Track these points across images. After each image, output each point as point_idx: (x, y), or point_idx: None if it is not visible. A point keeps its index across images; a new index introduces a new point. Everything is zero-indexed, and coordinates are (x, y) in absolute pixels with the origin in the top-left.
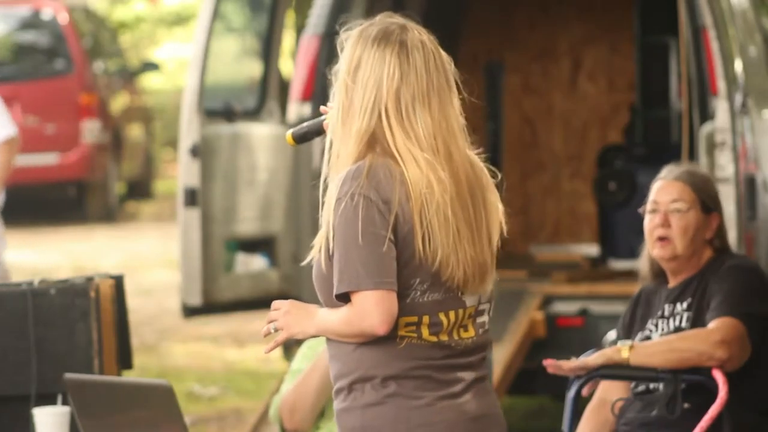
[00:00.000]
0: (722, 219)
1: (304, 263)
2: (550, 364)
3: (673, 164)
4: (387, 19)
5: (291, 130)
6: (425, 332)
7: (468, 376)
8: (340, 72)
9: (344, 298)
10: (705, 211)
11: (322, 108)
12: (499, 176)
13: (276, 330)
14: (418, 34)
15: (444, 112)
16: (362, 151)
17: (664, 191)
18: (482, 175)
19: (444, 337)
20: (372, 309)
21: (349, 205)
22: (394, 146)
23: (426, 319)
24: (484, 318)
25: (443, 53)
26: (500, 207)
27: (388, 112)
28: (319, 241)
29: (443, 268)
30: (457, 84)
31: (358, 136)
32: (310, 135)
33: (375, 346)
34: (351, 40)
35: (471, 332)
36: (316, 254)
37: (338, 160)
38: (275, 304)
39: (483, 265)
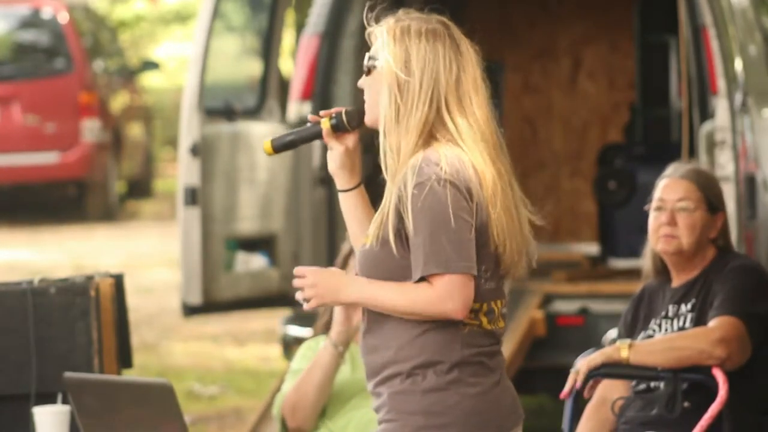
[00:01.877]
0: (726, 218)
1: (364, 248)
2: (564, 396)
3: (678, 162)
4: (418, 15)
5: (271, 139)
6: (484, 320)
7: (502, 361)
8: (385, 67)
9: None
10: (711, 211)
11: (311, 117)
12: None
13: (306, 300)
14: (458, 30)
15: (488, 104)
16: (423, 142)
17: (670, 189)
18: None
19: (493, 326)
20: (457, 292)
21: (436, 188)
22: (458, 136)
23: (485, 306)
24: (506, 309)
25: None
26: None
27: (448, 104)
28: (375, 229)
29: (505, 255)
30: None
31: (418, 128)
32: (296, 143)
33: (442, 333)
34: (389, 35)
35: (501, 322)
36: (371, 241)
37: (398, 154)
38: (298, 270)
39: (525, 251)
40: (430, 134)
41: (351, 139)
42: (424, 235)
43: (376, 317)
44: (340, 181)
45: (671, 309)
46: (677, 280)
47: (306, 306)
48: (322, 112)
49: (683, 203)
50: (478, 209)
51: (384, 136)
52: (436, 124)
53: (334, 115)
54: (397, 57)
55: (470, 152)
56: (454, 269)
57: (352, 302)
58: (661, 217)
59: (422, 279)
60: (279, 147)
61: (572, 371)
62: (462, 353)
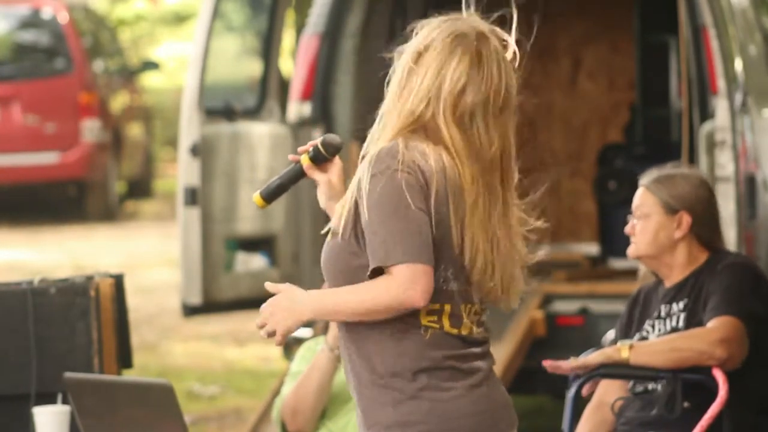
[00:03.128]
0: (703, 215)
1: (327, 243)
2: (550, 365)
3: (653, 169)
4: (472, 20)
5: (259, 191)
6: (446, 323)
7: (484, 365)
8: (406, 52)
9: (373, 275)
10: (670, 212)
11: (291, 156)
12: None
13: (269, 335)
14: (495, 45)
15: (504, 124)
16: (402, 133)
17: (634, 200)
18: (513, 194)
19: (465, 331)
20: (417, 280)
21: (390, 180)
22: (451, 145)
23: (447, 308)
24: (485, 317)
25: (510, 63)
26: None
27: (445, 113)
28: (336, 220)
29: (475, 269)
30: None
31: (404, 117)
32: (284, 187)
33: (402, 340)
34: (428, 26)
35: (477, 329)
36: (331, 234)
37: (379, 139)
38: (261, 308)
39: (506, 285)
40: (413, 128)
41: (335, 171)
42: (378, 227)
43: (341, 325)
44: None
45: (663, 309)
46: (668, 281)
47: (275, 341)
48: (299, 149)
49: (638, 211)
50: (438, 204)
51: (379, 118)
52: (430, 126)
53: (311, 149)
54: (417, 46)
55: (458, 161)
56: (409, 258)
57: (313, 317)
58: (627, 227)
59: (375, 272)
60: (268, 196)
61: (572, 359)
62: (427, 358)
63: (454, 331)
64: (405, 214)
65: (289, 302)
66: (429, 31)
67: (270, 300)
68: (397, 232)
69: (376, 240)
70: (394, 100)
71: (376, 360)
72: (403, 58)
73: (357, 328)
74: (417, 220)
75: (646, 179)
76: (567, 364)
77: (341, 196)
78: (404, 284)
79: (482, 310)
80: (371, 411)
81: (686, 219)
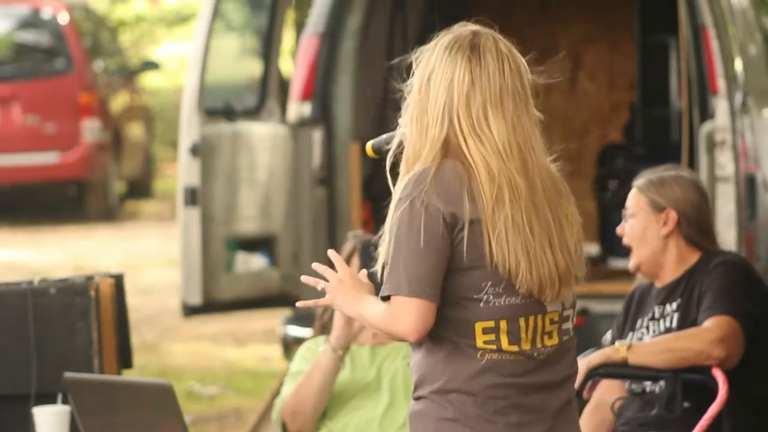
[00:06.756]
0: (691, 215)
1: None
2: None
3: (648, 170)
4: (461, 28)
5: (370, 142)
6: (504, 341)
7: (555, 401)
8: (414, 83)
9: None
10: (656, 210)
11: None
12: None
13: (322, 290)
14: (492, 38)
15: (519, 117)
16: (436, 157)
17: (627, 200)
18: (560, 184)
19: (526, 346)
20: (406, 314)
21: (408, 208)
22: (467, 152)
23: (504, 324)
24: (569, 324)
25: (519, 58)
26: (578, 219)
27: (459, 118)
28: (384, 248)
29: (514, 274)
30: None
31: (432, 143)
32: (386, 146)
33: (458, 361)
34: (427, 52)
35: (555, 339)
36: (382, 262)
37: (413, 167)
38: (329, 275)
39: (562, 273)
40: (443, 149)
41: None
42: (391, 254)
43: None
44: None
45: (657, 310)
46: (660, 282)
47: (314, 301)
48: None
49: (628, 211)
50: (469, 225)
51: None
52: (449, 139)
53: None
54: (423, 73)
55: (477, 167)
56: (403, 292)
57: (352, 316)
58: (618, 229)
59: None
60: (377, 149)
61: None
62: (478, 384)
63: (514, 348)
64: (411, 247)
65: (354, 293)
66: (429, 54)
67: (349, 272)
68: (401, 263)
69: (388, 268)
70: (418, 130)
71: (433, 375)
72: (413, 90)
73: (423, 340)
74: (421, 253)
75: (639, 180)
76: (577, 381)
77: None
78: (397, 316)
79: (565, 317)
80: (417, 418)
81: (672, 216)
